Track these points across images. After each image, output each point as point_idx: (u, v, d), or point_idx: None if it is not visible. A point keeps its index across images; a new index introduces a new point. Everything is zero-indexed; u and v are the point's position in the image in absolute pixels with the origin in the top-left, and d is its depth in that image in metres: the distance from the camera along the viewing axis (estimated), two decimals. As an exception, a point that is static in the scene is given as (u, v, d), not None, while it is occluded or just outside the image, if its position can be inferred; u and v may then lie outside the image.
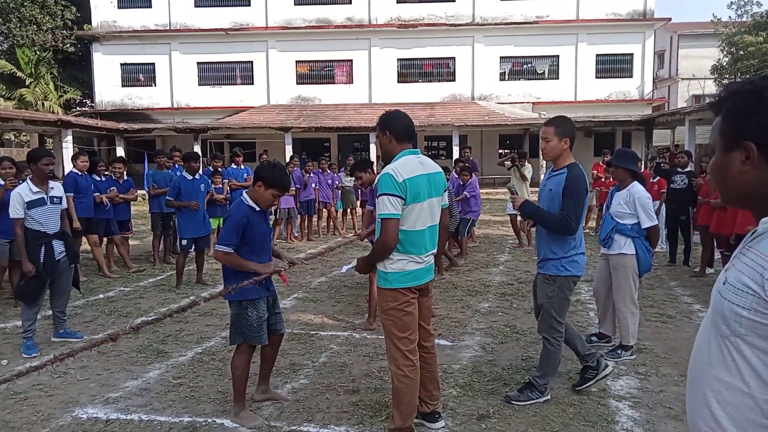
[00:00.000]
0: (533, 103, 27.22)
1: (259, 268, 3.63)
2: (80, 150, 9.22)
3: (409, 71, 27.73)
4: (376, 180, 3.33)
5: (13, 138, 30.57)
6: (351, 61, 27.47)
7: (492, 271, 8.58)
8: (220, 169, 10.81)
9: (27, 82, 29.74)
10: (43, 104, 29.21)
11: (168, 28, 27.80)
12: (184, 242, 7.76)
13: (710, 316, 1.20)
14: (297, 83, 27.85)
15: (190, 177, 8.20)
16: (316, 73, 27.94)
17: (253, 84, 27.96)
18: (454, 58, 27.36)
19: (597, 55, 27.02)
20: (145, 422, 3.75)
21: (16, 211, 5.03)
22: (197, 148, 23.13)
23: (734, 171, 1.21)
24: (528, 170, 10.43)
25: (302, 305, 6.69)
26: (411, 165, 3.19)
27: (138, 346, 5.24)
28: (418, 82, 27.68)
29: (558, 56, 27.25)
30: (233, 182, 10.91)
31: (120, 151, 24.87)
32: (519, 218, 10.42)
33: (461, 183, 9.49)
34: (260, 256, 3.74)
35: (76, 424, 3.72)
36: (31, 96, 29.26)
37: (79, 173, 8.16)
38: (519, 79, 27.54)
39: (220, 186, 10.45)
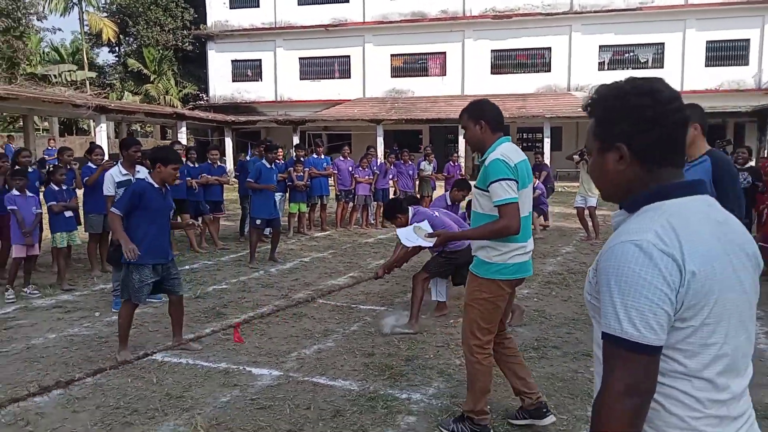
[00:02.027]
0: (635, 93, 25.95)
1: (123, 241, 4.42)
2: (174, 141, 10.47)
3: (503, 62, 27.50)
4: (483, 171, 3.18)
5: (139, 129, 33.94)
6: (444, 53, 27.73)
7: (548, 261, 8.71)
8: (302, 158, 11.71)
9: (152, 79, 32.93)
10: (164, 98, 32.19)
11: (273, 26, 29.54)
12: (258, 221, 8.63)
13: None
14: (391, 76, 28.57)
15: (268, 165, 9.09)
16: (410, 66, 28.51)
17: (350, 78, 29.06)
18: (549, 49, 26.77)
19: (708, 42, 25.28)
20: (190, 365, 4.53)
21: (108, 189, 6.06)
22: (296, 139, 24.59)
23: (611, 170, 1.30)
24: (597, 163, 10.32)
25: (353, 282, 7.31)
26: (515, 150, 3.20)
27: (204, 308, 6.11)
28: (512, 73, 27.39)
29: (663, 44, 25.80)
30: (313, 170, 11.73)
31: (228, 142, 26.98)
32: (586, 212, 10.46)
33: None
34: (159, 226, 4.65)
35: (138, 361, 4.57)
36: (155, 91, 32.35)
37: (174, 160, 9.28)
38: (619, 69, 26.38)
39: (301, 174, 11.31)
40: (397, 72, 28.57)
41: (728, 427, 1.21)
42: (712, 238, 1.18)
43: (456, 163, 15.21)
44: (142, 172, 6.40)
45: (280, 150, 11.33)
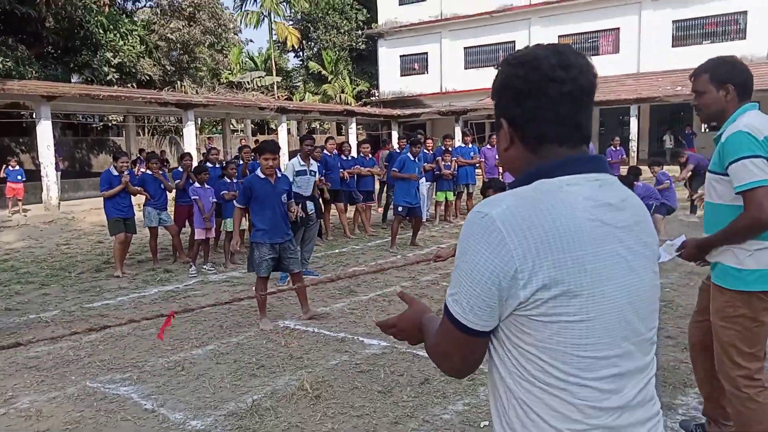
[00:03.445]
0: None
1: (234, 234, 5.80)
2: (329, 136, 11.47)
3: (687, 33, 24.85)
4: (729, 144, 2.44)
5: (318, 126, 36.92)
6: (618, 29, 25.87)
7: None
8: (450, 148, 12.07)
9: (329, 79, 35.57)
10: (340, 97, 34.60)
11: (440, 17, 30.10)
12: (399, 209, 9.20)
13: None
14: (559, 59, 27.44)
15: (412, 158, 9.64)
16: (578, 46, 26.99)
17: (514, 63, 28.51)
18: (745, 13, 23.57)
19: None
20: (314, 333, 5.21)
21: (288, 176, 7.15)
22: (458, 129, 24.93)
23: (501, 148, 1.18)
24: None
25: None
26: (763, 120, 2.46)
27: (340, 287, 6.82)
28: (698, 44, 24.65)
29: None
30: (460, 159, 12.04)
31: (394, 135, 28.25)
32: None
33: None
34: (271, 210, 5.29)
35: (274, 329, 5.37)
36: (332, 90, 34.92)
37: (329, 154, 10.25)
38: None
39: (449, 163, 11.68)
40: (565, 54, 27.32)
41: None
42: (587, 223, 1.04)
43: (618, 148, 14.61)
44: (314, 165, 7.45)
45: (429, 141, 11.82)
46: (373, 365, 4.39)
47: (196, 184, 8.14)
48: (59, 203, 14.77)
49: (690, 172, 10.60)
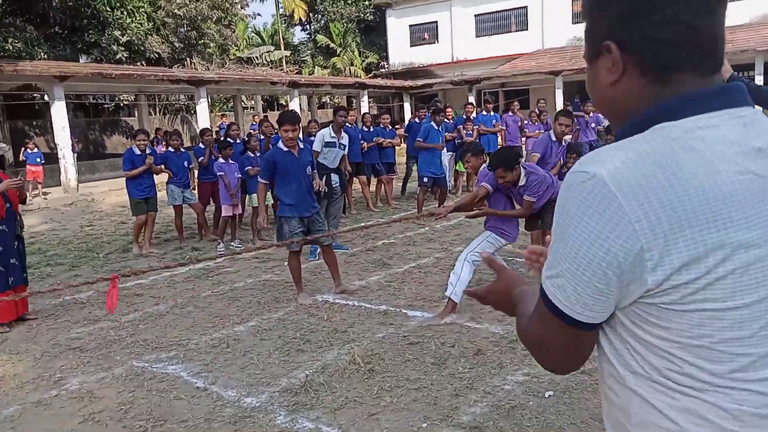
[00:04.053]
0: None
1: (260, 211, 5.52)
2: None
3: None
4: None
5: (328, 100, 36.58)
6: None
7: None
8: (471, 116, 11.87)
9: (338, 52, 35.07)
10: (349, 70, 34.13)
11: (449, -16, 29.47)
12: (425, 179, 9.06)
13: None
14: (573, 23, 26.79)
15: (436, 127, 9.48)
16: (593, 10, 26.43)
17: (527, 30, 27.92)
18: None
19: None
20: (355, 306, 5.12)
21: (316, 146, 7.04)
22: (471, 99, 24.56)
23: (602, 83, 0.91)
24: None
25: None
26: None
27: (373, 260, 6.73)
28: None
29: None
30: (482, 127, 11.82)
31: (407, 107, 27.93)
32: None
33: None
34: (297, 183, 5.13)
35: (312, 304, 5.30)
36: (341, 63, 34.44)
37: (349, 125, 10.06)
38: None
39: (470, 131, 11.49)
40: (580, 17, 26.69)
41: None
42: (735, 178, 0.78)
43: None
44: (345, 138, 7.35)
45: (449, 110, 11.67)
46: (422, 337, 4.31)
47: (221, 160, 8.01)
48: (78, 185, 14.73)
49: None
